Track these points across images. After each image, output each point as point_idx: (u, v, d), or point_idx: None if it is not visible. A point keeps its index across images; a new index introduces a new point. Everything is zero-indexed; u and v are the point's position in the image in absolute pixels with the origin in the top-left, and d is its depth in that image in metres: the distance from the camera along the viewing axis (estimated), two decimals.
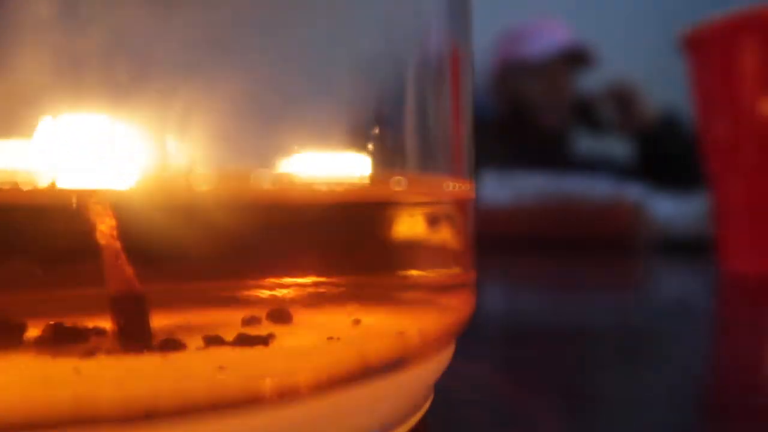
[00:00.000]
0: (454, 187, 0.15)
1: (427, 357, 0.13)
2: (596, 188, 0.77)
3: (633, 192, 0.76)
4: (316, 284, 0.12)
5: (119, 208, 0.11)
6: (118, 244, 0.11)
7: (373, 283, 0.13)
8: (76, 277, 0.11)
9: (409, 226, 0.14)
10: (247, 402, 0.10)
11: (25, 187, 0.10)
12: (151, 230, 0.11)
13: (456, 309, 0.15)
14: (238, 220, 0.12)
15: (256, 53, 0.12)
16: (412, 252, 0.14)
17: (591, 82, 1.29)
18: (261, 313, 0.12)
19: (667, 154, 1.21)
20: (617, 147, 1.32)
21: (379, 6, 0.13)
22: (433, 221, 0.15)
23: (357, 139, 0.12)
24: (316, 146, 0.12)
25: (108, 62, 0.10)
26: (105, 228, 0.11)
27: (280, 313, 0.12)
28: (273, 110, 0.12)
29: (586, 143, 1.36)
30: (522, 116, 1.26)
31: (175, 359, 0.11)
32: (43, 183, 0.10)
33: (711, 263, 0.51)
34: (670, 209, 0.73)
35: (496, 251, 0.59)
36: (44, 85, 0.10)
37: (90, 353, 0.11)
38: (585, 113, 1.30)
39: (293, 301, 0.12)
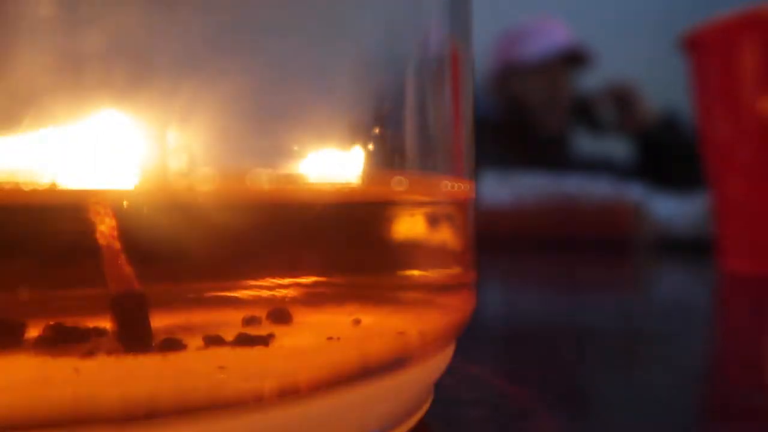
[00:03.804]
0: (454, 187, 0.15)
1: (427, 357, 0.13)
2: (596, 188, 0.77)
3: (633, 192, 0.76)
4: (316, 284, 0.12)
5: (119, 208, 0.11)
6: (118, 244, 0.11)
7: (373, 283, 0.13)
8: (76, 277, 0.11)
9: (409, 226, 0.14)
10: (247, 402, 0.10)
11: (26, 187, 0.10)
12: (151, 230, 0.11)
13: (456, 309, 0.15)
14: (238, 220, 0.12)
15: (257, 53, 0.12)
16: (412, 252, 0.14)
17: (591, 82, 1.29)
18: (261, 313, 0.12)
19: (667, 154, 1.21)
20: (617, 147, 1.32)
21: (380, 6, 0.13)
22: (433, 221, 0.15)
23: (357, 139, 0.12)
24: (316, 146, 0.12)
25: (109, 62, 0.10)
26: (105, 228, 0.11)
27: (280, 313, 0.12)
28: (273, 110, 0.12)
29: (586, 143, 1.36)
30: (522, 116, 1.26)
31: (175, 359, 0.11)
32: (43, 183, 0.10)
33: (711, 263, 0.51)
34: (670, 209, 0.73)
35: (496, 251, 0.59)
36: (45, 84, 0.10)
37: (90, 353, 0.11)
38: (585, 113, 1.30)
39: (293, 301, 0.12)
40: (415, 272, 0.14)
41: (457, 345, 0.15)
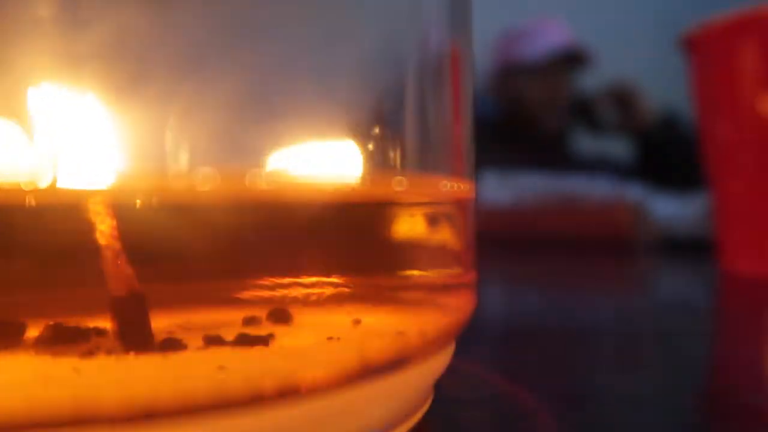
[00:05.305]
0: (454, 187, 0.15)
1: (427, 357, 0.13)
2: (596, 188, 0.77)
3: (633, 192, 0.76)
4: (316, 284, 0.12)
5: (119, 208, 0.11)
6: (118, 244, 0.11)
7: (373, 283, 0.13)
8: (76, 277, 0.11)
9: (409, 226, 0.14)
10: (247, 402, 0.10)
11: (26, 187, 0.10)
12: (151, 230, 0.11)
13: (456, 309, 0.15)
14: (238, 220, 0.12)
15: (256, 53, 0.12)
16: (412, 252, 0.14)
17: (591, 82, 1.29)
18: (261, 313, 0.12)
19: (667, 154, 1.21)
20: (617, 147, 1.32)
21: (379, 6, 0.13)
22: (433, 221, 0.15)
23: (357, 139, 0.12)
24: (316, 146, 0.12)
25: (108, 62, 0.10)
26: (105, 228, 0.11)
27: (280, 313, 0.12)
28: (273, 110, 0.12)
29: (586, 143, 1.36)
30: (522, 116, 1.26)
31: (175, 359, 0.11)
32: (43, 183, 0.10)
33: (711, 263, 0.51)
34: (670, 209, 0.73)
35: (496, 251, 0.59)
36: (45, 85, 0.10)
37: (90, 353, 0.11)
38: (585, 113, 1.30)
39: (293, 301, 0.12)
40: (415, 272, 0.14)
41: (457, 345, 0.15)
